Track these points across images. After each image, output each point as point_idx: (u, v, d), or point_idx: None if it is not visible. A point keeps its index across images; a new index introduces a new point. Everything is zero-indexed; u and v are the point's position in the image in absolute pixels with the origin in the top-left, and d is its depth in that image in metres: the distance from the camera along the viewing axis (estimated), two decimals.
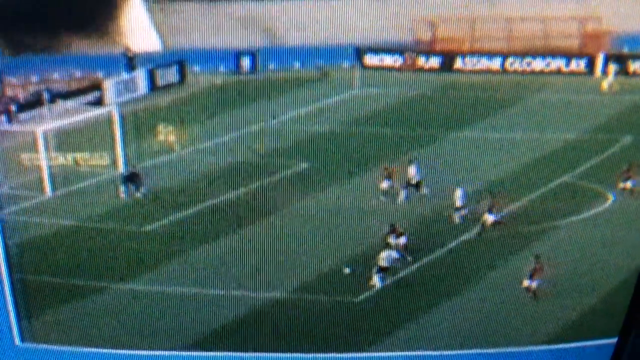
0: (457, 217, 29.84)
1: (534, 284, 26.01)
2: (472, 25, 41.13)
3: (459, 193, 29.83)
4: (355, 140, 34.84)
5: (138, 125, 34.10)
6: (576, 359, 24.57)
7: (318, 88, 39.22)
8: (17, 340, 24.94)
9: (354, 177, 31.82)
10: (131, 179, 31.27)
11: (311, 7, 39.00)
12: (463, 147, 34.50)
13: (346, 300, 26.14)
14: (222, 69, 39.34)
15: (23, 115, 33.67)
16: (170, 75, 39.17)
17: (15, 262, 26.46)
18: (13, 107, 33.49)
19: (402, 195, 30.99)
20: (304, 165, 32.84)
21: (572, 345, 24.57)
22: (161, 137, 33.67)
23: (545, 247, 28.08)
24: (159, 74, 38.99)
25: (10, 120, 33.15)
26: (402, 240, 27.80)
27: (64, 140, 31.74)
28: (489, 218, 29.31)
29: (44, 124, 32.05)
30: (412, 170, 31.08)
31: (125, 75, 37.76)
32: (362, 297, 26.33)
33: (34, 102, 34.32)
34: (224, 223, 29.47)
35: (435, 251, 28.25)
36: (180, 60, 39.24)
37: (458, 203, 29.88)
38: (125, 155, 32.20)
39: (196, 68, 38.83)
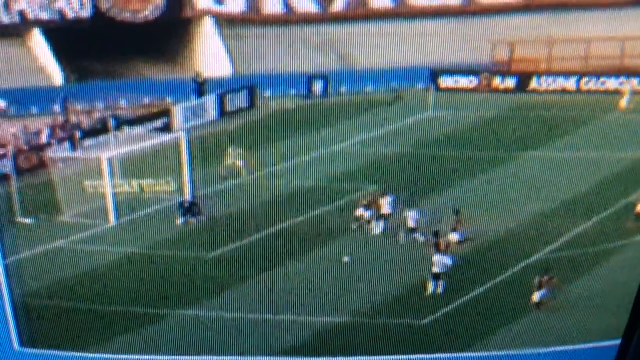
0: (402, 237, 29.36)
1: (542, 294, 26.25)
2: (549, 45, 40.55)
3: (412, 214, 29.45)
4: (427, 162, 33.81)
5: (205, 150, 33.45)
6: None
7: (391, 111, 38.26)
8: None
9: (423, 200, 30.85)
10: (190, 207, 30.58)
11: (386, 30, 38.56)
12: (537, 167, 33.93)
13: (412, 323, 25.72)
14: (292, 93, 38.47)
15: (87, 142, 33.21)
16: (239, 100, 38.44)
17: (76, 291, 26.71)
18: (77, 134, 33.06)
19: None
20: (373, 188, 31.75)
21: (576, 347, 24.85)
22: (228, 162, 32.91)
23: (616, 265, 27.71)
24: (228, 99, 38.23)
25: (74, 147, 32.71)
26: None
27: (129, 166, 31.20)
28: (454, 237, 28.75)
29: (109, 151, 31.40)
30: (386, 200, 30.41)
31: (194, 101, 37.14)
32: (428, 319, 25.89)
33: (99, 129, 33.83)
34: (290, 248, 28.87)
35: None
36: (250, 85, 38.45)
37: (410, 224, 29.40)
38: (192, 181, 31.43)
39: (266, 92, 38.04)
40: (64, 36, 35.69)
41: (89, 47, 34.50)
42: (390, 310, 26.17)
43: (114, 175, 30.86)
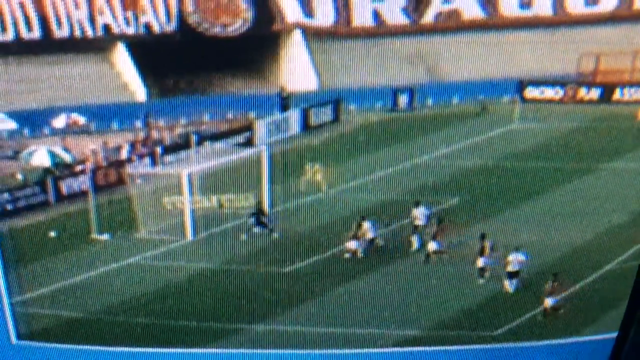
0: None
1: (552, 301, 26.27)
2: (633, 56, 39.65)
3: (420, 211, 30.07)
4: (511, 175, 33.65)
5: (286, 165, 33.23)
6: (577, 353, 24.76)
7: (476, 123, 37.74)
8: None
9: (504, 213, 30.69)
10: (259, 220, 30.43)
11: (475, 41, 37.97)
12: (621, 178, 33.02)
13: (485, 334, 25.62)
14: (378, 106, 38.07)
15: (168, 158, 33.35)
16: (324, 114, 38.24)
17: (150, 307, 26.90)
18: (159, 150, 33.25)
19: None
20: (454, 201, 31.59)
21: (573, 340, 25.01)
22: (309, 177, 32.64)
23: None
24: (312, 113, 38.05)
25: (154, 163, 32.92)
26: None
27: (208, 182, 31.19)
28: (432, 246, 28.96)
29: (190, 167, 31.42)
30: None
31: (278, 115, 37.00)
32: (500, 330, 25.74)
33: (181, 145, 33.96)
34: (367, 261, 28.94)
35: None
36: (335, 99, 38.21)
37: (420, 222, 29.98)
38: (271, 196, 31.28)
39: (351, 106, 37.71)
40: (149, 51, 35.90)
41: (174, 62, 34.64)
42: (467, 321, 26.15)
43: (193, 191, 30.86)
